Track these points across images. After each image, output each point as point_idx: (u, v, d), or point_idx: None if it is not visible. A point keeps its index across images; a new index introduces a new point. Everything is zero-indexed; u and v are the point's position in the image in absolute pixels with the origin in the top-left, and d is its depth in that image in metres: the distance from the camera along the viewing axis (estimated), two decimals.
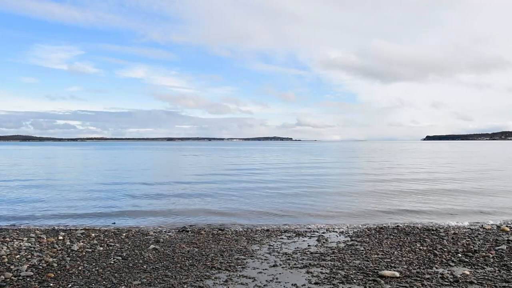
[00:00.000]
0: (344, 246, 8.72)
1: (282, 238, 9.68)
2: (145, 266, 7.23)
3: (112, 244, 8.94)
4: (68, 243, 8.96)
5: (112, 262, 7.47)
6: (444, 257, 7.65)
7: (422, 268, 6.99)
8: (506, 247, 8.27)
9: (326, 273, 6.72)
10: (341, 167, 36.22)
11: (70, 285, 6.19)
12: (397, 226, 11.24)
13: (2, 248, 8.20)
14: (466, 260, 7.42)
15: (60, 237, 9.44)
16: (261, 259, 7.72)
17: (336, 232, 10.51)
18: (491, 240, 9.09)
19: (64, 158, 54.94)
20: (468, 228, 10.85)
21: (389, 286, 6.04)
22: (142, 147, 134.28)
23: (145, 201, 16.03)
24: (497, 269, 6.87)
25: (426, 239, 9.25)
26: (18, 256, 7.74)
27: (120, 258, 7.77)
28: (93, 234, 9.92)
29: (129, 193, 18.31)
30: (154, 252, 8.30)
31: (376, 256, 7.81)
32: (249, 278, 6.53)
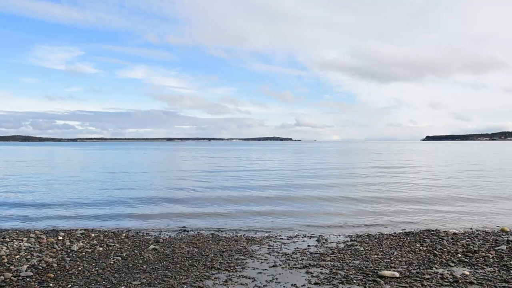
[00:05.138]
0: (344, 246, 8.72)
1: (282, 238, 9.68)
2: (144, 266, 7.23)
3: (112, 244, 8.94)
4: (67, 243, 8.95)
5: (111, 262, 7.47)
6: (444, 257, 7.65)
7: (421, 268, 6.99)
8: (506, 248, 8.27)
9: (326, 273, 6.72)
10: (340, 167, 36.21)
11: (69, 285, 6.19)
12: (397, 226, 11.24)
13: (2, 249, 8.20)
14: (466, 260, 7.42)
15: (60, 238, 9.44)
16: (261, 259, 7.71)
17: (336, 232, 10.51)
18: (490, 240, 9.08)
19: (63, 159, 54.93)
20: (467, 228, 10.85)
21: (389, 286, 6.03)
22: (142, 147, 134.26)
23: (145, 201, 16.01)
24: (496, 269, 6.87)
25: (425, 239, 9.25)
26: (18, 256, 7.74)
27: (119, 258, 7.77)
28: (92, 235, 9.91)
29: (129, 193, 18.31)
30: (153, 252, 8.30)
31: (375, 256, 7.81)
32: (249, 278, 6.53)
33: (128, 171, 32.08)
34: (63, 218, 12.72)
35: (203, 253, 8.19)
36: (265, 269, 7.04)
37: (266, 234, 10.27)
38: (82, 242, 9.10)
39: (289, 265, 7.28)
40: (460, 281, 6.24)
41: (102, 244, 8.90)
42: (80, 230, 10.56)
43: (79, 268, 7.09)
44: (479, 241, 9.02)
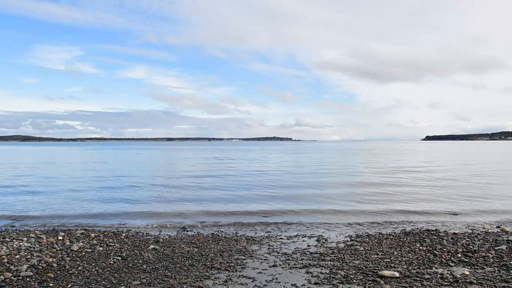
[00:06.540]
0: (344, 246, 8.72)
1: (282, 238, 9.68)
2: (144, 266, 7.23)
3: (112, 244, 8.94)
4: (67, 243, 8.95)
5: (111, 262, 7.47)
6: (444, 257, 7.65)
7: (421, 268, 6.99)
8: (506, 247, 8.27)
9: (326, 273, 6.72)
10: (340, 167, 36.22)
11: (69, 285, 6.19)
12: (397, 226, 11.24)
13: (2, 248, 8.20)
14: (466, 260, 7.42)
15: (60, 237, 9.44)
16: (261, 259, 7.71)
17: (336, 232, 10.51)
18: (490, 240, 9.08)
19: (63, 158, 54.92)
20: (467, 228, 10.86)
21: (389, 286, 6.03)
22: (142, 147, 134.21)
23: (145, 201, 16.02)
24: (496, 269, 6.87)
25: (425, 239, 9.25)
26: (18, 256, 7.74)
27: (119, 258, 7.77)
28: (92, 234, 9.91)
29: (129, 193, 18.31)
30: (153, 252, 8.30)
31: (375, 256, 7.81)
32: (249, 278, 6.53)
33: (127, 170, 32.07)
34: (63, 218, 12.72)
35: (203, 253, 8.18)
36: (265, 269, 7.03)
37: (266, 234, 10.27)
38: (82, 242, 9.10)
39: (289, 265, 7.28)
40: (460, 281, 6.24)
41: (102, 244, 8.90)
42: (80, 230, 10.56)
43: (79, 268, 7.08)
44: (479, 241, 9.02)
